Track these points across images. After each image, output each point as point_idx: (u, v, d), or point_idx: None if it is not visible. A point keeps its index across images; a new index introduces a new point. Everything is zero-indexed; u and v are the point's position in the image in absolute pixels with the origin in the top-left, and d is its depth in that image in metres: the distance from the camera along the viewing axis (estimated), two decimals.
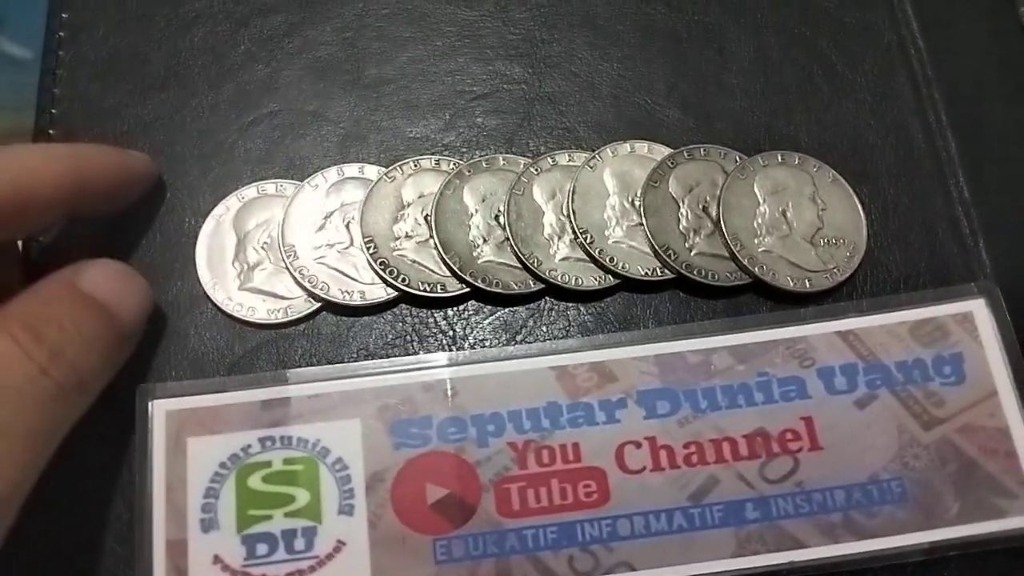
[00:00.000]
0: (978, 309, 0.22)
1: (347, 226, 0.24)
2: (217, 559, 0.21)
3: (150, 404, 0.21)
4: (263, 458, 0.21)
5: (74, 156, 0.21)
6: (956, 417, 0.22)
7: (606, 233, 0.23)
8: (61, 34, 0.26)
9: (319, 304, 0.23)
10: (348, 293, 0.23)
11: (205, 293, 0.23)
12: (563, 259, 0.23)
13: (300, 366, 0.23)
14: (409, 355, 0.23)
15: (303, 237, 0.24)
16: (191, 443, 0.21)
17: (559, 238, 0.24)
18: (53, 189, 0.20)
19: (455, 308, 0.24)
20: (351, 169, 0.25)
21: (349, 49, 0.26)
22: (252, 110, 0.25)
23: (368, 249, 0.23)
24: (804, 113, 0.26)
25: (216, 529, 0.21)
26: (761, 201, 0.24)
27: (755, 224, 0.24)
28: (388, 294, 0.23)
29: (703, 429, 0.22)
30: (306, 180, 0.24)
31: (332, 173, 0.24)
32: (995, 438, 0.21)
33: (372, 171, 0.24)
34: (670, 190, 0.24)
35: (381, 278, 0.23)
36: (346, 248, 0.24)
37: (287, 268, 0.23)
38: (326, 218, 0.24)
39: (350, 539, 0.21)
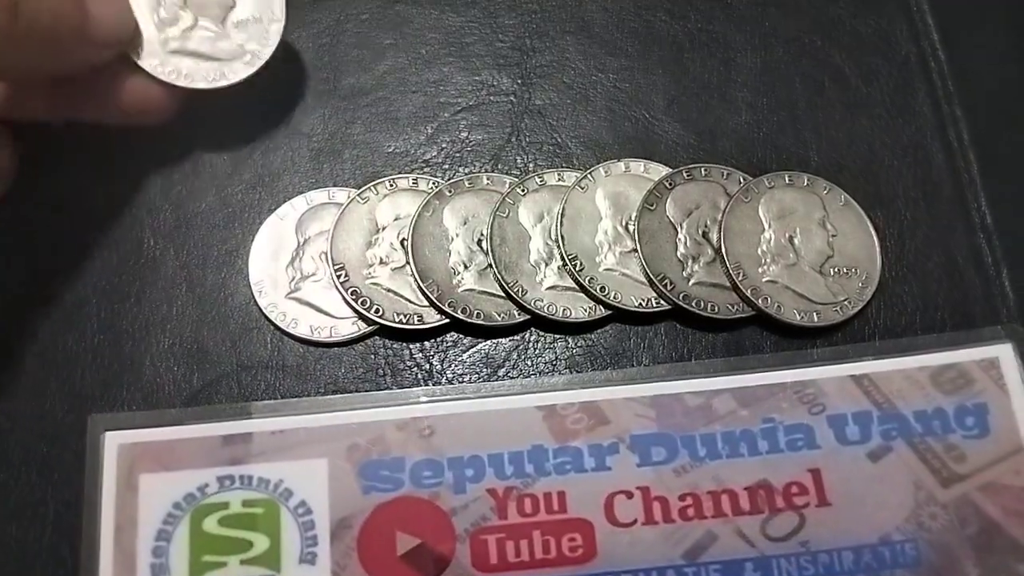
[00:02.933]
0: (1005, 355, 0.21)
1: (321, 256, 0.23)
2: None
3: (102, 436, 0.21)
4: (221, 499, 0.20)
5: None
6: (978, 474, 0.21)
7: (597, 260, 0.23)
8: None
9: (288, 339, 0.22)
10: (319, 330, 0.22)
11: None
12: (550, 288, 0.22)
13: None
14: (382, 390, 0.22)
15: (271, 271, 0.22)
16: (144, 480, 0.20)
17: (546, 265, 0.23)
18: None
19: (433, 340, 0.23)
20: (319, 195, 0.23)
21: (325, 56, 0.26)
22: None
23: (339, 277, 0.22)
24: (814, 130, 0.25)
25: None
26: (766, 226, 0.23)
27: (759, 251, 0.23)
28: (360, 328, 0.22)
29: (701, 480, 0.21)
30: (274, 212, 0.23)
31: (300, 202, 0.23)
32: (1021, 499, 0.20)
33: (342, 195, 0.23)
34: (667, 214, 0.23)
35: (352, 309, 0.22)
36: (318, 280, 0.23)
37: (256, 304, 0.22)
38: (296, 250, 0.23)
39: None
